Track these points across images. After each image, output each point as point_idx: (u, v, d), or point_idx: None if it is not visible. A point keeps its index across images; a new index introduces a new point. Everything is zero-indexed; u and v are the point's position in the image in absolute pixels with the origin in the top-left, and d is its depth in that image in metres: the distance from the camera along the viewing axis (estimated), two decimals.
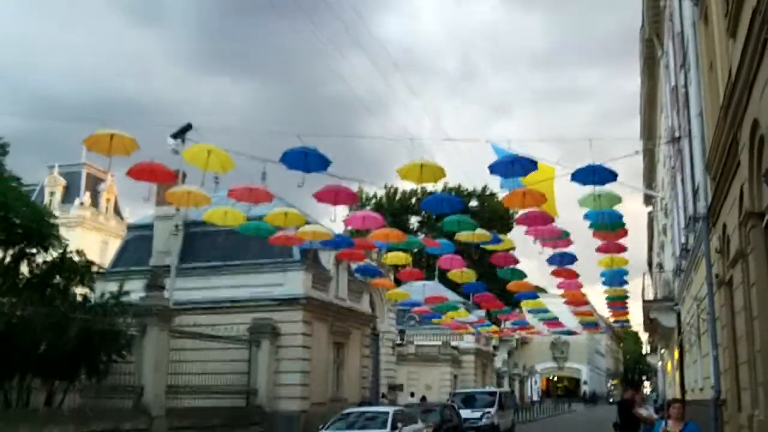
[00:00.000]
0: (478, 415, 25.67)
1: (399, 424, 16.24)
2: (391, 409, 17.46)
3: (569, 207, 17.82)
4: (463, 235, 17.92)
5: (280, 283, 23.84)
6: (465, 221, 16.86)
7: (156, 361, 18.29)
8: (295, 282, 23.70)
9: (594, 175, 14.55)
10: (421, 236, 39.12)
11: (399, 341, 38.17)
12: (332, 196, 15.12)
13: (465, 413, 25.29)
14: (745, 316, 9.37)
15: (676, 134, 19.33)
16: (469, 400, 27.72)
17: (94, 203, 66.39)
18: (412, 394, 37.19)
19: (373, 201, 64.42)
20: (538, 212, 16.45)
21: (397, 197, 63.00)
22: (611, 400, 66.04)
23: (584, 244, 21.61)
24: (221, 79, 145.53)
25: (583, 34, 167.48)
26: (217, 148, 13.83)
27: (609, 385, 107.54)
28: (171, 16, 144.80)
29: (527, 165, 14.10)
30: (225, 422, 20.55)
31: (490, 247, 20.32)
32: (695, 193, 15.21)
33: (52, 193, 66.70)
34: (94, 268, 21.94)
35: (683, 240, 19.46)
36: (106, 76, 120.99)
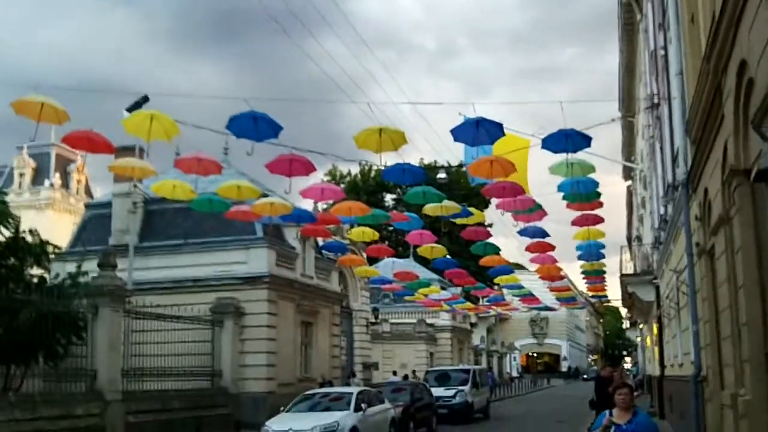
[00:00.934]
0: (451, 393, 24.87)
1: (363, 405, 15.37)
2: (355, 390, 16.58)
3: (543, 182, 16.93)
4: (429, 208, 16.98)
5: (243, 261, 22.86)
6: (431, 192, 15.88)
7: (110, 343, 17.36)
8: (259, 260, 22.71)
9: (567, 140, 13.67)
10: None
11: (373, 319, 37.34)
12: (286, 166, 14.11)
13: (438, 392, 24.49)
14: (728, 287, 8.54)
15: (655, 100, 18.50)
16: (442, 378, 26.90)
17: (65, 184, 65.19)
18: (395, 373, 36.46)
19: (348, 179, 63.28)
20: (507, 183, 15.51)
21: (372, 175, 61.81)
22: (585, 377, 64.43)
23: (560, 220, 20.85)
24: (199, 60, 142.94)
25: (561, 11, 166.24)
26: (160, 113, 12.77)
27: (589, 360, 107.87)
28: None
29: (493, 129, 13.13)
30: (188, 405, 19.69)
31: (460, 220, 19.44)
32: (674, 159, 14.38)
33: (21, 175, 65.55)
34: (51, 249, 21.40)
35: (662, 211, 18.70)
36: (82, 55, 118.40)
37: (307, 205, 19.59)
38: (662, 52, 16.11)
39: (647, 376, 36.41)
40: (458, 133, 13.29)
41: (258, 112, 12.80)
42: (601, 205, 18.49)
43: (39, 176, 65.12)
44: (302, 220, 18.11)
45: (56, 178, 64.15)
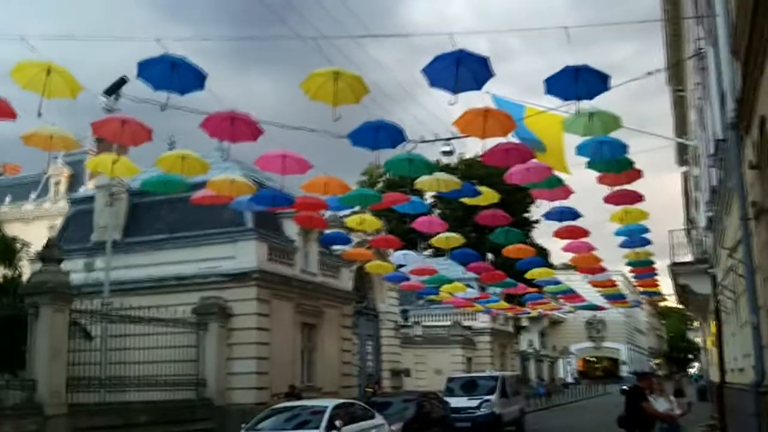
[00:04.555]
0: (475, 403, 21.63)
1: (338, 423, 12.41)
2: (330, 404, 13.61)
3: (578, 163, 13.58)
4: (423, 182, 14.00)
5: (231, 256, 20.16)
6: (419, 161, 12.82)
7: (52, 349, 14.90)
8: (247, 254, 19.99)
9: (577, 81, 10.51)
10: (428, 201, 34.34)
11: (403, 322, 34.31)
12: (226, 126, 11.35)
13: (460, 402, 21.37)
14: None
15: (701, 45, 15.20)
16: (467, 387, 23.57)
17: None
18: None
19: (385, 178, 60.18)
20: (511, 145, 12.38)
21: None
22: (625, 388, 56.03)
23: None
24: (250, 74, 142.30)
25: (613, 9, 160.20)
26: (58, 65, 10.15)
27: (652, 364, 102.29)
28: (197, 13, 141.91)
29: (478, 68, 10.09)
30: (159, 418, 17.13)
31: (470, 201, 16.33)
32: (722, 103, 11.17)
33: (57, 183, 65.07)
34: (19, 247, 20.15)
35: (713, 181, 15.36)
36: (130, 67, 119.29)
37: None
38: None
39: (709, 383, 32.39)
40: (434, 74, 10.26)
41: (176, 57, 10.09)
42: (638, 175, 15.13)
43: (75, 184, 64.59)
44: (277, 203, 15.32)
45: (90, 185, 63.33)
